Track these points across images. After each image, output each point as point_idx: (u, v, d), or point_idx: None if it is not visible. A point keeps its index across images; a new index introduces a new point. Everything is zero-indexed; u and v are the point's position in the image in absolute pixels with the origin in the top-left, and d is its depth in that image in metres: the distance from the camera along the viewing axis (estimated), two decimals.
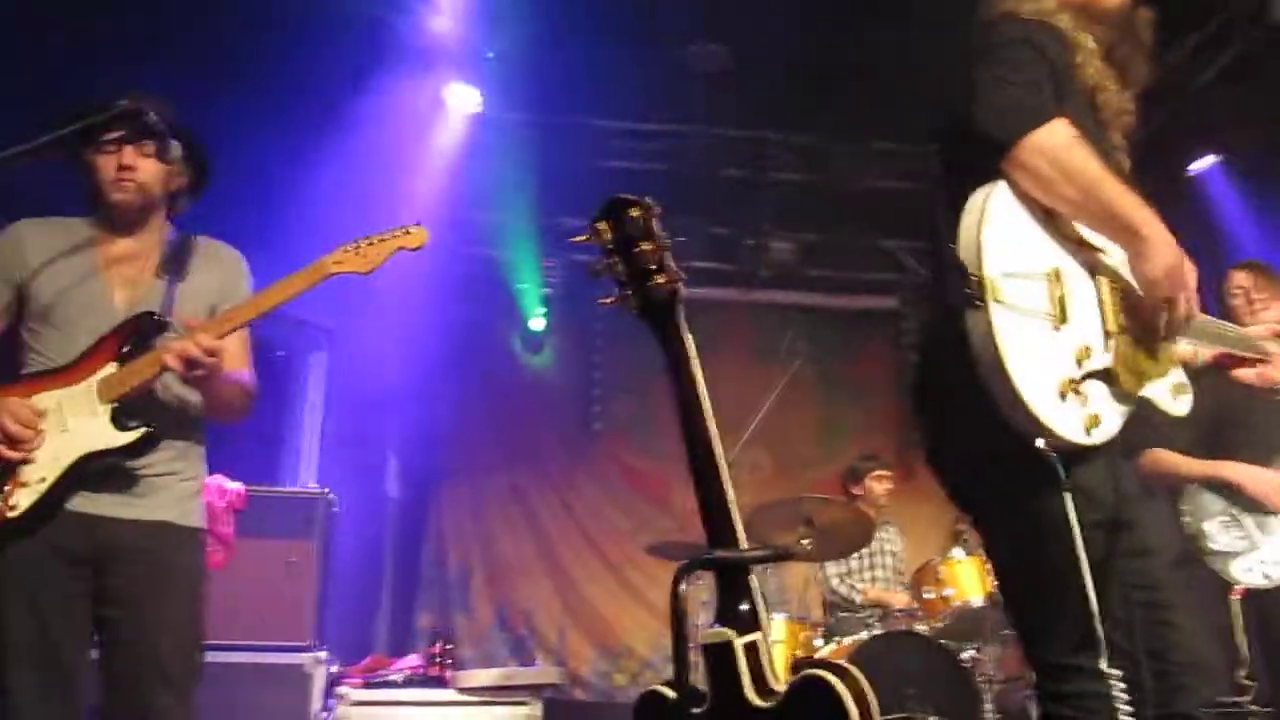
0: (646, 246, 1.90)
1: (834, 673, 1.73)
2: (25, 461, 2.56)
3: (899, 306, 8.39)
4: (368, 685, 4.88)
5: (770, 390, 5.61)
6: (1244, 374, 2.66)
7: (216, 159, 2.97)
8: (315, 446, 6.88)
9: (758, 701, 1.76)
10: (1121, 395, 1.95)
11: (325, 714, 4.65)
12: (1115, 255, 2.03)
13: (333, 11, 5.59)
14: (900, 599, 5.54)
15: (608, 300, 1.96)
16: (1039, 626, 2.01)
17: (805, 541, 4.90)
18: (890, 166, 7.64)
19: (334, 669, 4.84)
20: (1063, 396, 1.85)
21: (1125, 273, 2.02)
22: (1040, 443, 1.83)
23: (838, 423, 8.20)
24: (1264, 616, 3.68)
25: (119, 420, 2.61)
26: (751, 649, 1.80)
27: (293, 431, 6.83)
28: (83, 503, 2.61)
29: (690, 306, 1.93)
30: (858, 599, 5.70)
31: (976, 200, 1.92)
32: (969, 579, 4.98)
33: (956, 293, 1.87)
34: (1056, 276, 1.92)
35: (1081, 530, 1.85)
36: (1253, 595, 3.61)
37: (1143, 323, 1.99)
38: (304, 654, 4.63)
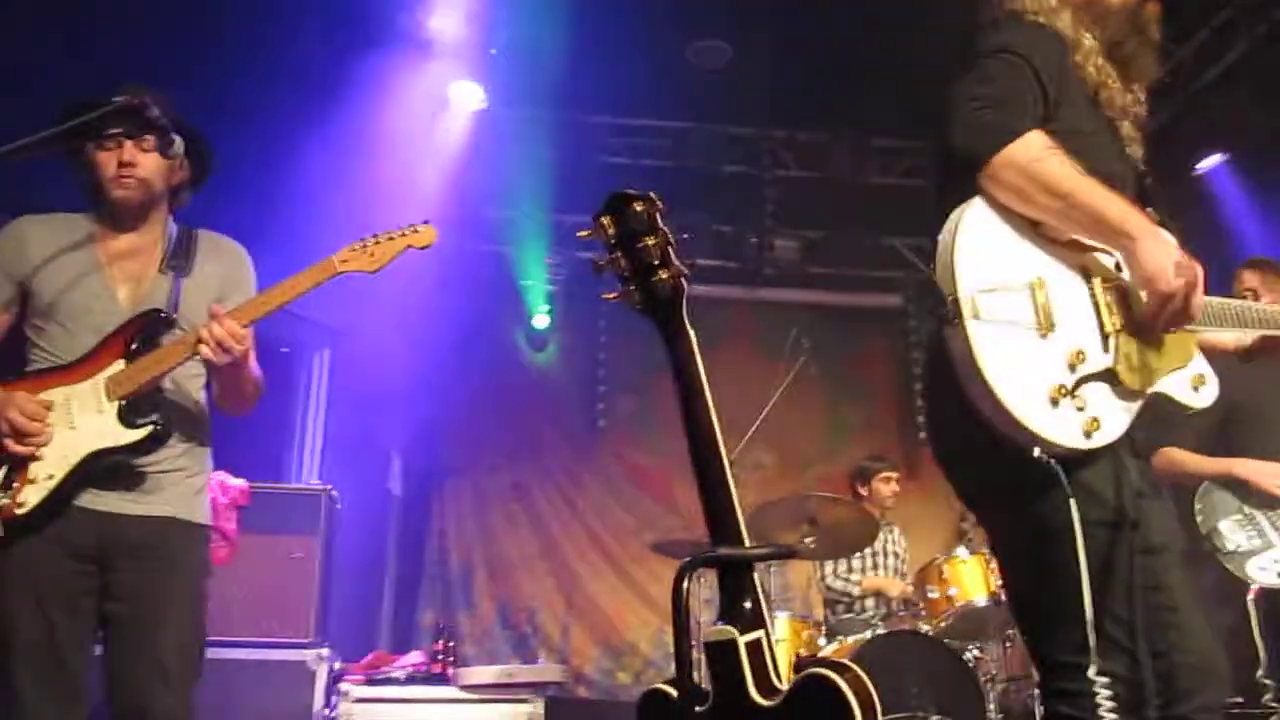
0: (650, 241, 1.89)
1: (837, 671, 1.72)
2: (33, 458, 2.57)
3: (903, 304, 8.39)
4: (370, 682, 4.88)
5: (774, 388, 5.59)
6: None
7: (218, 154, 2.97)
8: (318, 443, 6.89)
9: (761, 700, 1.75)
10: (1127, 394, 1.95)
11: (328, 710, 4.64)
12: (1109, 254, 2.03)
13: (335, 7, 5.59)
14: (897, 586, 5.54)
15: (611, 295, 1.95)
16: (1042, 625, 2.01)
17: (809, 540, 4.89)
18: (894, 163, 7.64)
19: (337, 665, 4.84)
20: (1054, 403, 1.86)
21: (1121, 270, 2.02)
22: (1036, 452, 1.85)
23: (841, 420, 8.20)
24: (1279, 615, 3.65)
25: (127, 417, 2.62)
26: (755, 647, 1.79)
27: (296, 428, 6.84)
28: (90, 499, 2.62)
29: (694, 304, 1.92)
30: (855, 590, 5.68)
31: (951, 220, 1.95)
32: (973, 578, 4.96)
33: (937, 311, 1.90)
34: (1040, 285, 1.93)
35: (1084, 529, 1.85)
36: (1268, 594, 3.57)
37: (1143, 319, 1.98)
38: (307, 650, 4.63)
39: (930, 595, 5.01)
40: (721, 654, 1.79)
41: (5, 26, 4.78)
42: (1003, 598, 4.82)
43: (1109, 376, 1.93)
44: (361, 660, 5.14)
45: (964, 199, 1.97)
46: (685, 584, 1.71)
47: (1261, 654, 3.45)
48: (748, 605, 1.82)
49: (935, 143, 2.16)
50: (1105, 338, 1.96)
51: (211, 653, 2.82)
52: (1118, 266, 2.03)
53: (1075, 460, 1.88)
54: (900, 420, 8.20)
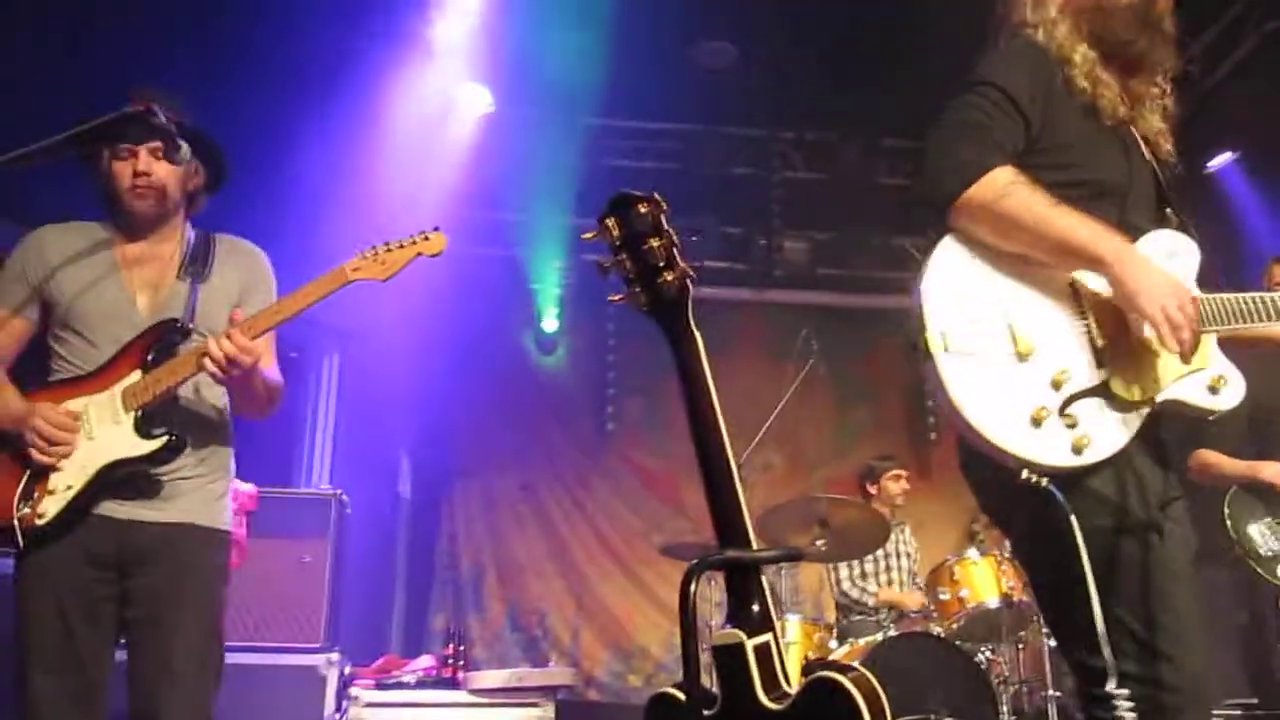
0: (655, 243, 1.87)
1: (846, 674, 1.71)
2: (54, 469, 2.59)
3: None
4: (380, 686, 4.87)
5: (783, 390, 5.58)
6: None
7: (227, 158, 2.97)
8: (328, 447, 6.90)
9: (769, 703, 1.73)
10: (1126, 406, 1.96)
11: (338, 715, 4.64)
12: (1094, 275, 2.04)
13: (342, 11, 5.60)
14: (915, 600, 5.50)
15: (617, 297, 1.94)
16: (1066, 630, 2.05)
17: (820, 542, 4.87)
18: (903, 163, 7.61)
19: (347, 670, 4.83)
20: (1037, 424, 1.90)
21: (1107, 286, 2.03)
22: (1024, 474, 1.87)
23: (850, 422, 8.17)
24: None
25: (142, 428, 2.63)
26: (763, 650, 1.78)
27: (306, 432, 6.85)
28: (109, 507, 2.63)
29: (702, 306, 1.91)
30: (870, 601, 5.66)
31: (927, 259, 2.02)
32: (984, 580, 4.94)
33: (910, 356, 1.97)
34: (1018, 312, 1.98)
35: (1093, 535, 1.89)
36: None
37: (1134, 336, 1.98)
38: (317, 655, 4.62)
39: (941, 597, 4.99)
40: (729, 657, 1.78)
41: (5, 27, 4.79)
42: (1014, 600, 4.81)
43: (1102, 391, 1.95)
44: (372, 664, 5.13)
45: (940, 237, 2.05)
46: (692, 587, 1.70)
47: None
48: (756, 608, 1.80)
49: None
50: (1097, 353, 1.98)
51: None
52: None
53: (1080, 473, 1.91)
54: (910, 421, 8.17)
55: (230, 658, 2.79)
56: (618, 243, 1.91)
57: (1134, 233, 2.08)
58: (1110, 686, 1.86)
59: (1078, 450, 1.91)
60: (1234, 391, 2.04)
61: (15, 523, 2.57)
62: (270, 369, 2.86)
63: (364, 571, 6.28)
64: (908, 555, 5.92)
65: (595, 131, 7.27)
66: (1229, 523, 3.61)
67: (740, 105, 7.11)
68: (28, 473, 2.60)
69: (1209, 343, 2.06)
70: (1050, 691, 4.62)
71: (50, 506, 2.57)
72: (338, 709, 4.65)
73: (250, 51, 5.31)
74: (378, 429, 7.23)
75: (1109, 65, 2.23)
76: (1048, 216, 1.98)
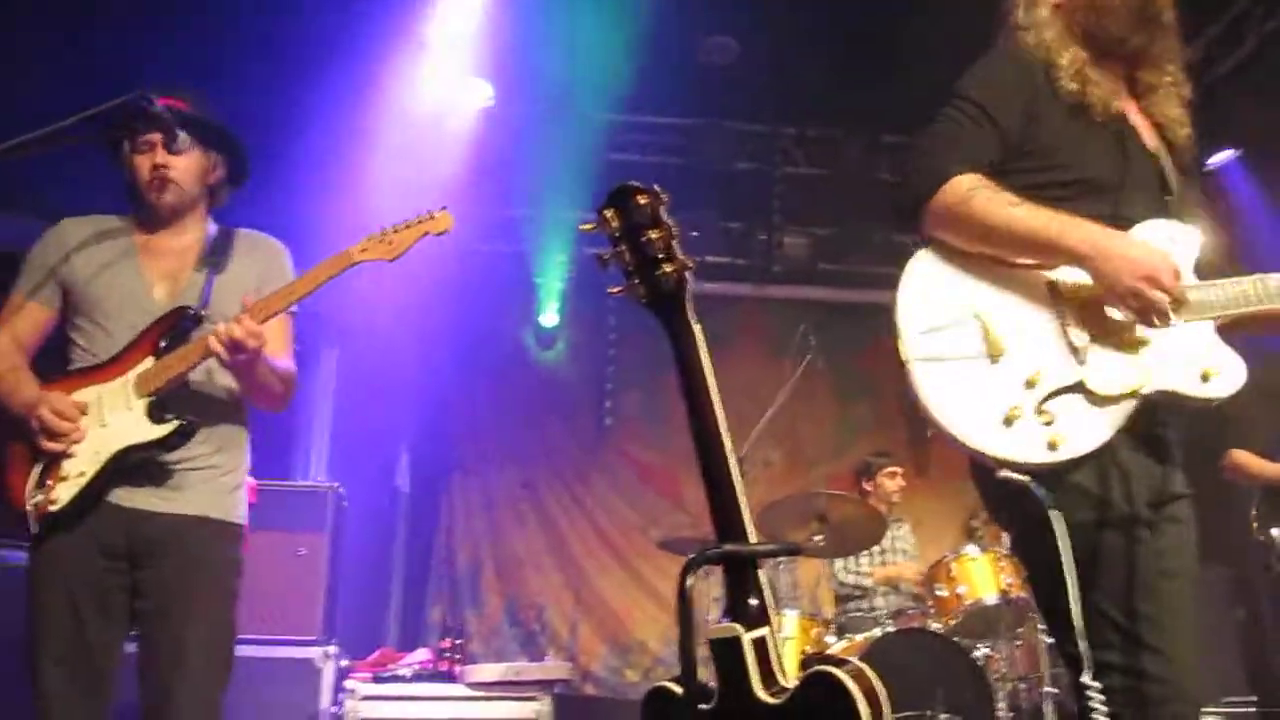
0: (654, 234, 1.87)
1: (844, 669, 1.70)
2: (66, 456, 2.60)
3: None
4: (377, 680, 4.87)
5: (782, 385, 5.58)
6: None
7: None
8: (326, 440, 6.89)
9: (766, 698, 1.73)
10: (1104, 401, 1.98)
11: (334, 708, 4.64)
12: (1070, 270, 2.07)
13: (343, 5, 5.58)
14: (911, 569, 5.52)
15: (616, 290, 1.94)
16: (1056, 622, 2.06)
17: (818, 537, 4.87)
18: (903, 160, 7.58)
19: (343, 663, 4.83)
20: (1009, 424, 1.95)
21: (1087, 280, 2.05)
22: (1002, 473, 1.93)
23: (850, 418, 8.17)
24: None
25: (154, 414, 2.64)
26: (760, 644, 1.77)
27: (304, 425, 6.84)
28: (122, 496, 2.64)
29: (703, 301, 1.90)
30: (867, 582, 5.66)
31: (904, 270, 2.12)
32: (982, 576, 4.94)
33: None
34: (989, 314, 2.03)
35: (1075, 529, 1.92)
36: None
37: (1119, 323, 2.01)
38: (313, 648, 4.63)
39: (939, 593, 4.99)
40: (726, 651, 1.77)
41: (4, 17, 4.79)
42: (1012, 596, 4.81)
43: (1079, 389, 1.98)
44: (368, 658, 5.14)
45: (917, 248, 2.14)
46: (689, 581, 1.69)
47: None
48: (753, 602, 1.80)
49: None
50: (1074, 351, 2.00)
51: None
52: None
53: (1061, 469, 1.95)
54: (909, 418, 8.16)
55: None
56: (617, 234, 1.91)
57: (1126, 226, 2.09)
58: (1086, 678, 1.88)
59: (1052, 447, 1.94)
60: (1228, 380, 2.03)
61: (30, 509, 2.59)
62: (284, 360, 2.87)
63: (361, 565, 6.28)
64: (904, 551, 5.92)
65: (596, 126, 7.25)
66: (1254, 524, 3.58)
67: (743, 100, 7.09)
68: (42, 460, 2.62)
69: (1202, 331, 2.05)
70: (1047, 688, 4.62)
71: (63, 493, 2.59)
72: (334, 702, 4.65)
73: (247, 41, 5.30)
74: (376, 423, 7.23)
75: (1107, 60, 2.25)
76: (1012, 216, 2.03)
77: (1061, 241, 2.00)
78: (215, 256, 2.85)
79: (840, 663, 1.74)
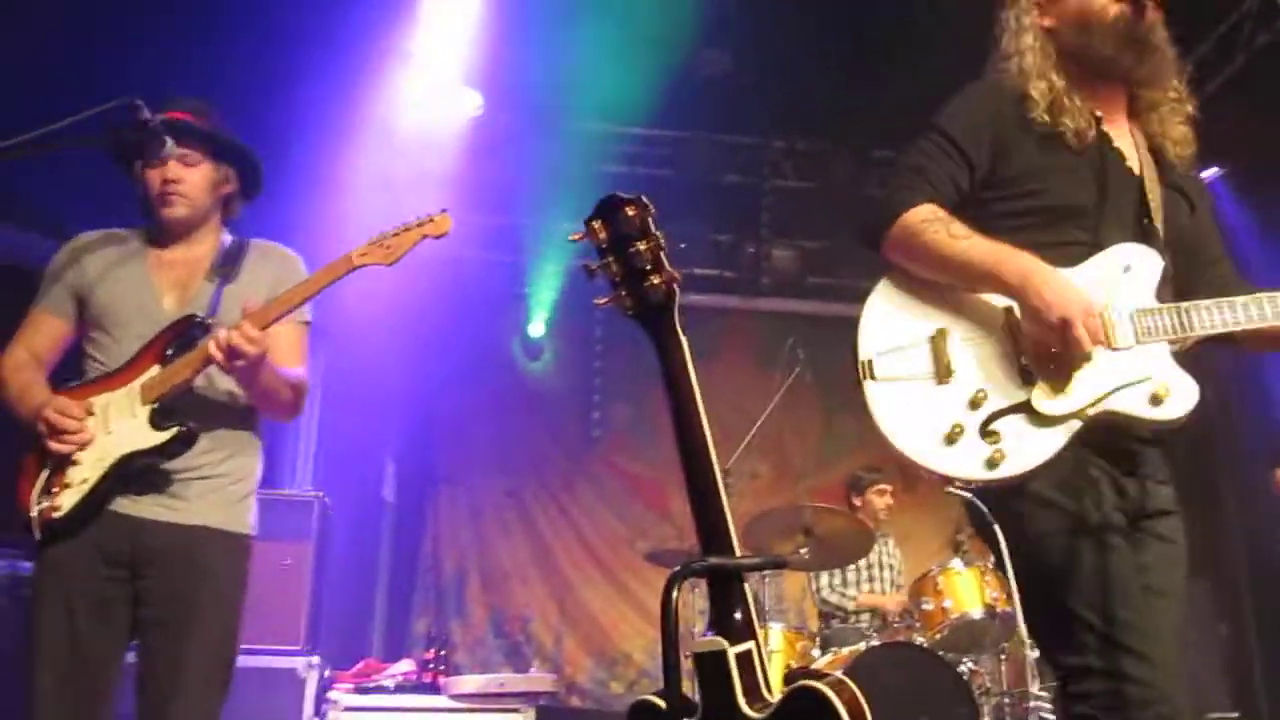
0: (641, 246, 1.86)
1: (828, 683, 1.69)
2: (72, 463, 2.61)
3: None
4: (360, 691, 4.85)
5: (770, 398, 5.58)
6: None
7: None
8: (312, 450, 6.86)
9: (750, 712, 1.72)
10: (1049, 422, 2.03)
11: (317, 719, 4.61)
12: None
13: (334, 13, 5.58)
14: (896, 601, 5.52)
15: (602, 300, 1.93)
16: (1043, 634, 2.16)
17: (804, 551, 4.86)
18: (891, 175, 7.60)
19: (326, 674, 4.81)
20: (951, 441, 2.04)
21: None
22: (949, 487, 2.09)
23: (837, 432, 8.16)
24: None
25: (157, 421, 2.63)
26: (745, 658, 1.76)
27: (289, 434, 6.81)
28: (125, 505, 2.63)
29: (691, 313, 1.90)
30: (850, 605, 5.66)
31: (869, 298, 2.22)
32: (968, 590, 4.94)
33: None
34: (941, 338, 2.12)
35: (1046, 539, 2.05)
36: None
37: (1050, 352, 2.06)
38: (297, 658, 4.60)
39: (925, 607, 4.98)
40: (711, 665, 1.76)
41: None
42: (997, 611, 4.81)
43: (1024, 409, 2.04)
44: (352, 668, 5.11)
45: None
46: (674, 594, 1.68)
47: None
48: (738, 616, 1.79)
49: None
50: (1023, 373, 2.07)
51: None
52: None
53: (1021, 480, 2.03)
54: None
55: None
56: (605, 245, 1.90)
57: (1091, 250, 2.14)
58: (1032, 686, 1.99)
59: (992, 465, 2.02)
60: (1179, 402, 2.04)
61: (34, 516, 2.60)
62: (295, 369, 2.86)
63: (346, 575, 6.25)
64: (890, 566, 5.92)
65: (587, 137, 7.26)
66: None
67: (733, 114, 7.11)
68: (49, 467, 2.63)
69: (1153, 353, 2.07)
70: (1032, 703, 4.61)
71: (67, 500, 2.59)
72: (316, 712, 4.62)
73: (236, 51, 5.29)
74: (362, 432, 7.20)
75: (1100, 81, 2.26)
76: (957, 248, 2.11)
77: (995, 272, 2.08)
78: (226, 266, 2.86)
79: (824, 677, 1.73)
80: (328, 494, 5.12)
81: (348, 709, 4.70)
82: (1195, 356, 2.18)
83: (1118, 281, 2.10)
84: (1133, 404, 2.04)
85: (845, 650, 4.83)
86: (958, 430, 2.03)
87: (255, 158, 2.96)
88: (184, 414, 2.65)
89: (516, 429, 8.07)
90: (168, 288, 2.81)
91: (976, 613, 4.86)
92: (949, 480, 2.06)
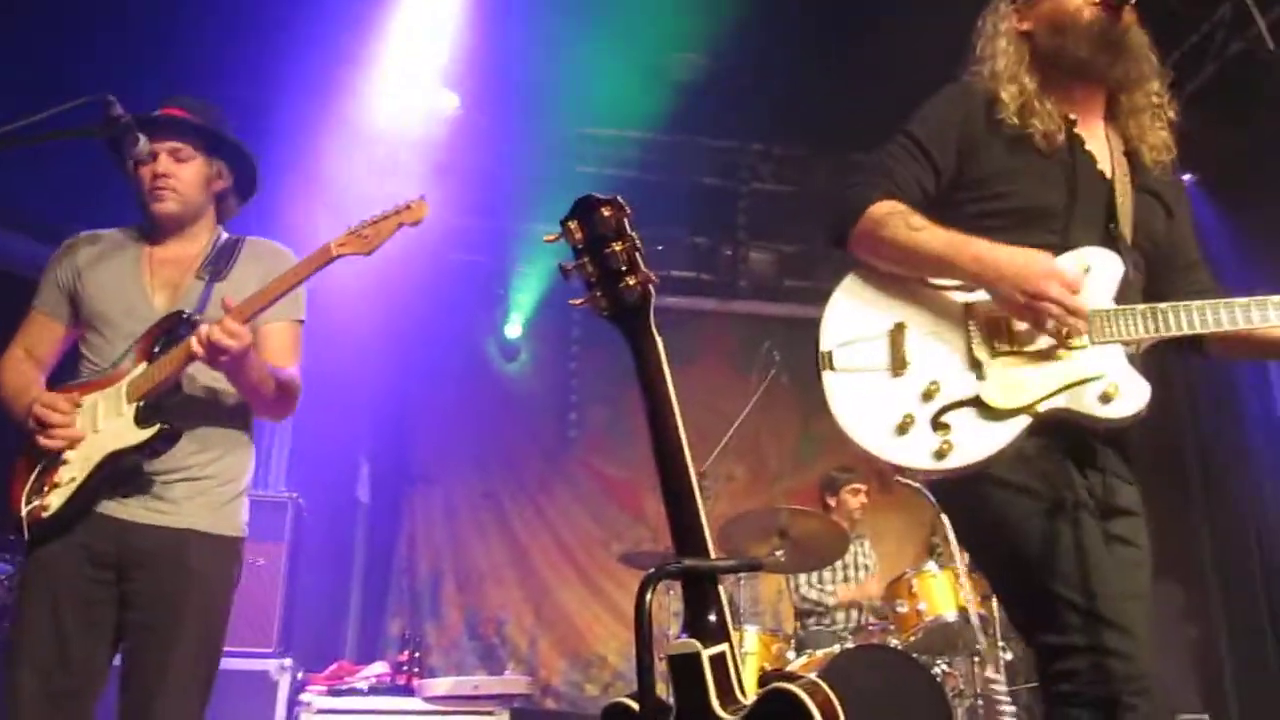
0: (617, 247, 1.86)
1: (802, 686, 1.70)
2: (62, 463, 2.61)
3: None
4: (333, 693, 4.82)
5: (746, 401, 5.59)
6: None
7: None
8: (286, 449, 6.81)
9: (724, 714, 1.72)
10: (999, 416, 2.08)
11: None
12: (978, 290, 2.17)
13: (310, 14, 5.55)
14: (872, 586, 5.55)
15: (578, 301, 1.93)
16: (1020, 616, 2.18)
17: (779, 553, 4.87)
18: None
19: (299, 676, 4.77)
20: (902, 431, 2.09)
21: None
22: (899, 477, 2.27)
23: (813, 434, 8.17)
24: None
25: (142, 419, 2.62)
26: (719, 661, 1.76)
27: (263, 434, 6.76)
28: (113, 507, 2.63)
29: (668, 316, 1.92)
30: (830, 601, 5.66)
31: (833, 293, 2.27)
32: (942, 592, 4.95)
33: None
34: (899, 331, 2.17)
35: (1014, 522, 2.08)
36: None
37: (1025, 341, 2.10)
38: (269, 660, 4.57)
39: (900, 609, 5.00)
40: (685, 667, 1.76)
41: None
42: (971, 613, 4.83)
43: (975, 403, 2.09)
44: (325, 670, 5.07)
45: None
46: (648, 596, 1.68)
47: None
48: (712, 618, 1.79)
49: None
50: (975, 366, 2.11)
51: None
52: None
53: (977, 470, 2.07)
54: None
55: None
56: (580, 246, 1.90)
57: (1061, 252, 2.16)
58: (990, 673, 2.02)
59: (940, 456, 2.07)
60: (1128, 402, 2.07)
61: (24, 515, 2.60)
62: (288, 368, 2.86)
63: (320, 576, 6.21)
64: (865, 567, 5.94)
65: (564, 138, 7.25)
66: None
67: (711, 116, 7.12)
68: (39, 467, 2.63)
69: (1107, 353, 2.10)
70: (1007, 705, 4.63)
71: (55, 499, 2.58)
72: (289, 715, 4.59)
73: (216, 51, 5.26)
74: (337, 432, 7.15)
75: (1077, 83, 2.28)
76: (917, 239, 2.15)
77: (953, 260, 2.13)
78: (218, 263, 2.85)
79: (798, 679, 1.73)
80: (301, 494, 5.09)
81: (320, 711, 4.67)
82: (1161, 360, 2.21)
83: (1078, 282, 2.11)
84: (1083, 402, 2.08)
85: (820, 652, 4.84)
86: (908, 421, 2.09)
87: (248, 153, 2.95)
88: (171, 413, 2.64)
89: (492, 430, 8.04)
90: (159, 286, 2.81)
91: (951, 615, 4.87)
92: (899, 470, 2.12)
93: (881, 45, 5.53)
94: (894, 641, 4.88)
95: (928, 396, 2.10)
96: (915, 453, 2.09)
